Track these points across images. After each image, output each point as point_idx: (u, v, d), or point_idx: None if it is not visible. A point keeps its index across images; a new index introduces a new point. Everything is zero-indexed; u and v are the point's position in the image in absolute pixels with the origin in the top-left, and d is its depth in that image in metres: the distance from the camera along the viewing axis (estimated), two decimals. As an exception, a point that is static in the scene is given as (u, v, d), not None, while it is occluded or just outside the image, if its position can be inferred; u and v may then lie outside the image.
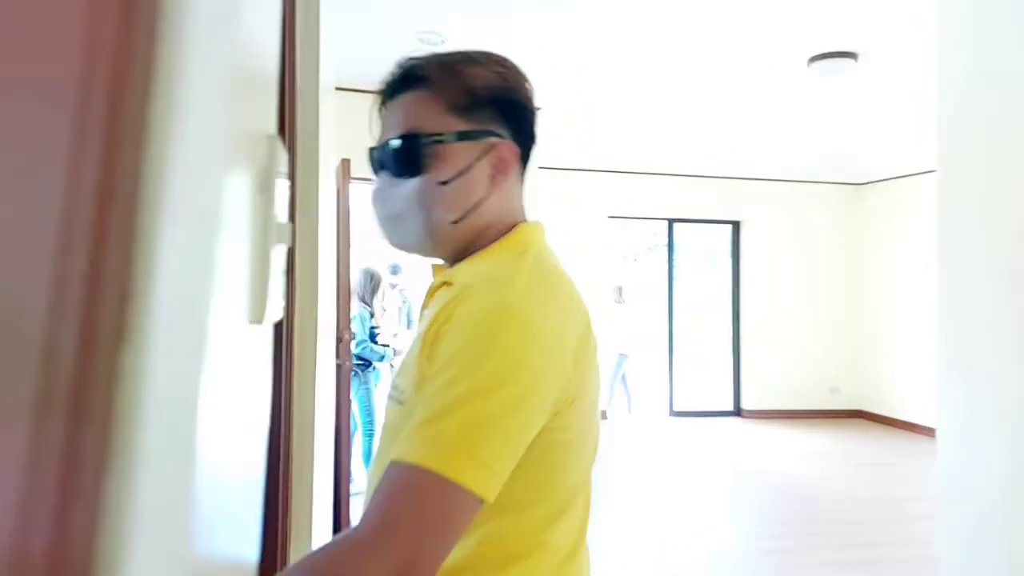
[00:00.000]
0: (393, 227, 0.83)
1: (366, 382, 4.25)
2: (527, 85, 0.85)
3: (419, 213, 0.79)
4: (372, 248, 4.03)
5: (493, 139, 0.81)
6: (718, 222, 7.49)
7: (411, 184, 0.79)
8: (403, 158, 0.79)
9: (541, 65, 3.63)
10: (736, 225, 7.45)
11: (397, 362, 6.37)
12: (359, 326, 4.16)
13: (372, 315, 4.31)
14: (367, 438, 4.26)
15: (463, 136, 0.79)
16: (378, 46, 3.37)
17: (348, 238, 3.37)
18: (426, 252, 0.85)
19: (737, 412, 7.36)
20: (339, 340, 3.45)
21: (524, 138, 0.85)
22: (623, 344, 6.71)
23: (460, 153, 0.79)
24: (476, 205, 0.80)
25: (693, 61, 3.66)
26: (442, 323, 0.71)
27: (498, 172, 0.81)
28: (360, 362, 4.16)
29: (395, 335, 4.99)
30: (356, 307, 4.21)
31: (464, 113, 0.79)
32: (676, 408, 7.30)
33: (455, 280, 0.78)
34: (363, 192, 3.87)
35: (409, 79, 0.80)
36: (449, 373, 0.66)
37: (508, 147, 0.82)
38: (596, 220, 6.83)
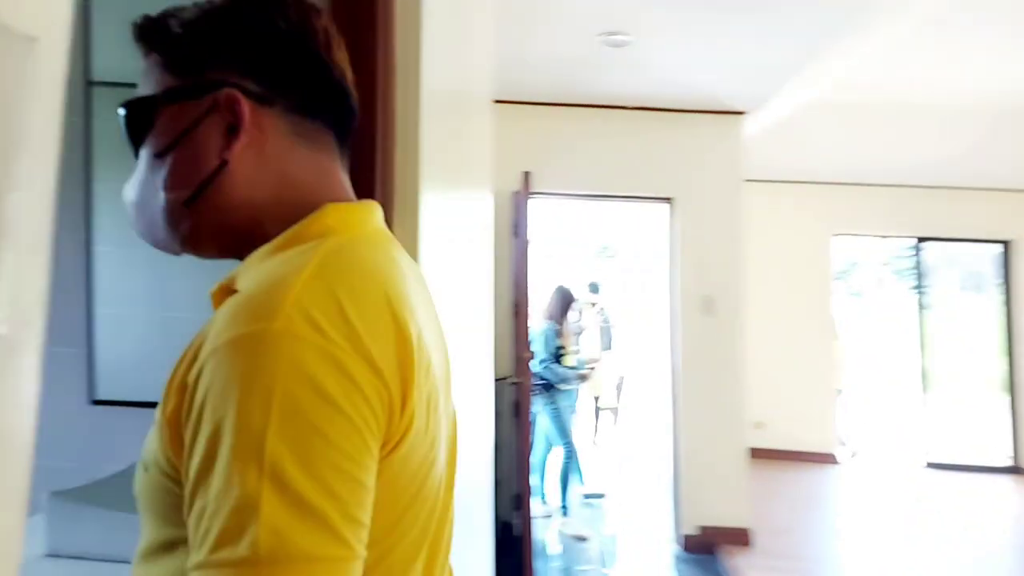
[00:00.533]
0: (135, 219, 0.64)
1: (553, 401, 4.15)
2: (289, 12, 0.62)
3: (149, 196, 0.62)
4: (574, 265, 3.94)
5: (224, 91, 0.60)
6: (982, 241, 6.31)
7: (139, 163, 0.63)
8: (126, 134, 0.63)
9: (748, 67, 3.30)
10: (1006, 245, 6.22)
11: (593, 381, 6.22)
12: (542, 344, 4.09)
13: (559, 334, 4.22)
14: (566, 459, 4.16)
15: (172, 94, 0.61)
16: (553, 54, 3.30)
17: (525, 252, 3.33)
18: (184, 248, 0.64)
19: (1016, 468, 6.07)
20: (517, 359, 3.42)
21: (287, 83, 0.62)
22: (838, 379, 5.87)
23: (178, 116, 0.61)
24: (210, 177, 0.60)
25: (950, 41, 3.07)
26: (187, 366, 0.51)
27: (240, 132, 0.60)
28: (543, 381, 4.08)
29: (583, 355, 4.86)
30: (542, 324, 4.16)
31: (179, 67, 0.62)
32: (933, 459, 6.21)
33: (240, 284, 0.58)
34: (545, 206, 3.74)
35: (141, 45, 0.64)
36: (220, 428, 0.46)
37: (246, 97, 0.60)
38: (817, 237, 6.12)
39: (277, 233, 0.60)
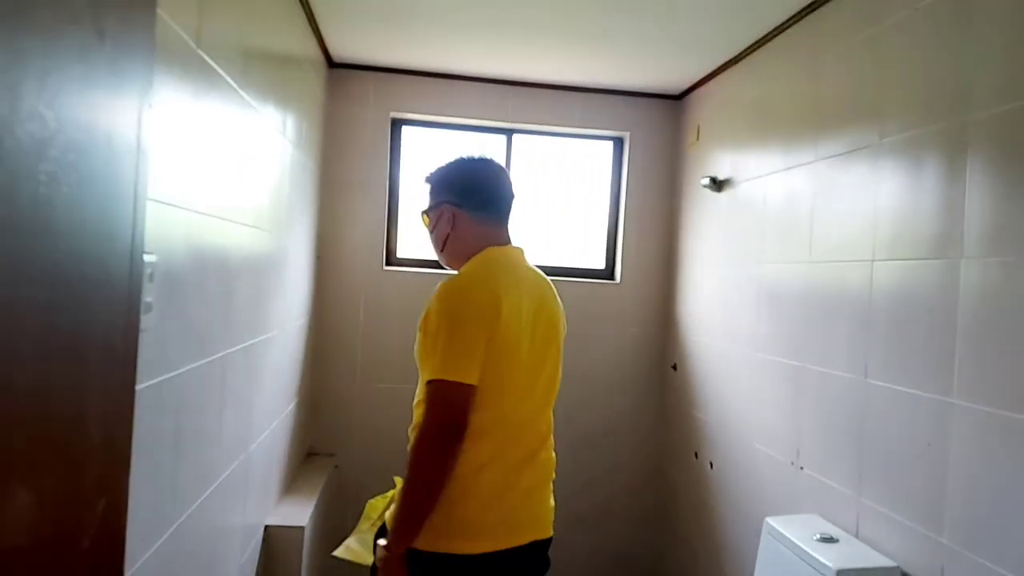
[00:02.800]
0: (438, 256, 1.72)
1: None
2: (474, 173, 1.66)
3: (433, 247, 1.71)
4: None
5: (445, 207, 1.63)
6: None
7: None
8: (422, 222, 1.72)
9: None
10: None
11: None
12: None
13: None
14: None
15: (431, 208, 1.67)
16: None
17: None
18: (448, 267, 1.69)
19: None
20: None
21: (471, 202, 1.62)
22: None
23: (434, 215, 1.66)
24: (445, 242, 1.65)
25: None
26: (428, 307, 1.47)
27: (451, 225, 1.62)
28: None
29: None
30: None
31: (432, 195, 1.67)
32: None
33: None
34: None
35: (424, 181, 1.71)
36: (433, 326, 1.42)
37: (455, 210, 1.62)
38: None
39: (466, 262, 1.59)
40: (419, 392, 1.47)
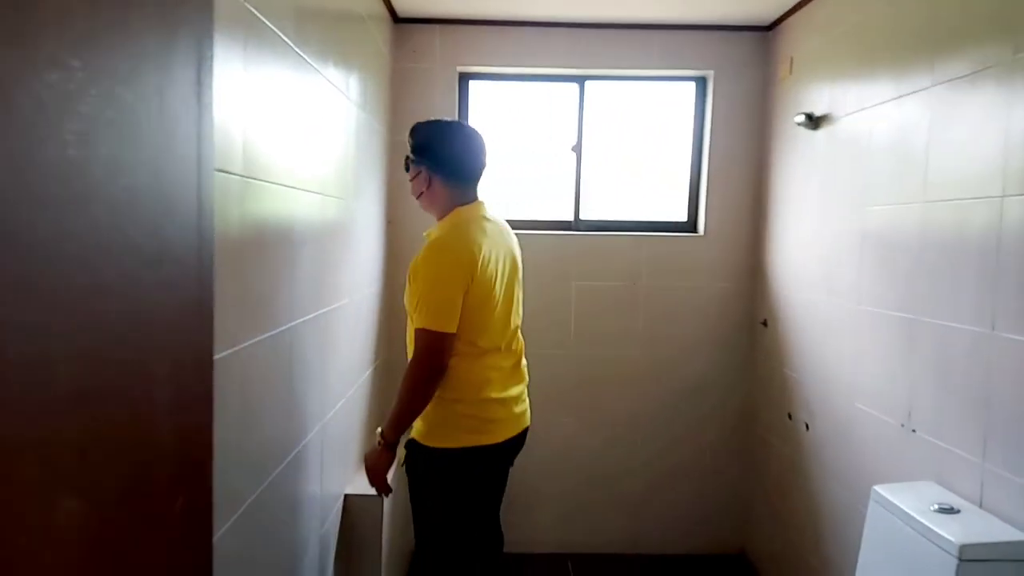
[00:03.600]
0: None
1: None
2: (452, 145, 1.98)
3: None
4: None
5: (423, 168, 1.99)
6: None
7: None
8: (405, 169, 2.06)
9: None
10: None
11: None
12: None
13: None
14: None
15: (410, 162, 2.02)
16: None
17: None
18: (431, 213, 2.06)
19: None
20: None
21: (445, 170, 1.98)
22: None
23: (412, 171, 2.02)
24: (420, 196, 2.03)
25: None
26: (415, 261, 1.88)
27: (427, 185, 1.99)
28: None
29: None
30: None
31: (415, 152, 2.00)
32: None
33: (432, 235, 1.95)
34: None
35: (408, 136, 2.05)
36: (420, 282, 1.83)
37: (431, 174, 1.98)
38: None
39: (442, 218, 1.99)
40: (409, 332, 1.95)
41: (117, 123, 0.62)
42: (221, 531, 1.17)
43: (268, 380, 1.48)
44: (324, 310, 1.94)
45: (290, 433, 1.66)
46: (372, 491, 2.05)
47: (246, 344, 1.33)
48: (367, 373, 2.65)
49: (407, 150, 2.01)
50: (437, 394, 1.88)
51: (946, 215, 1.85)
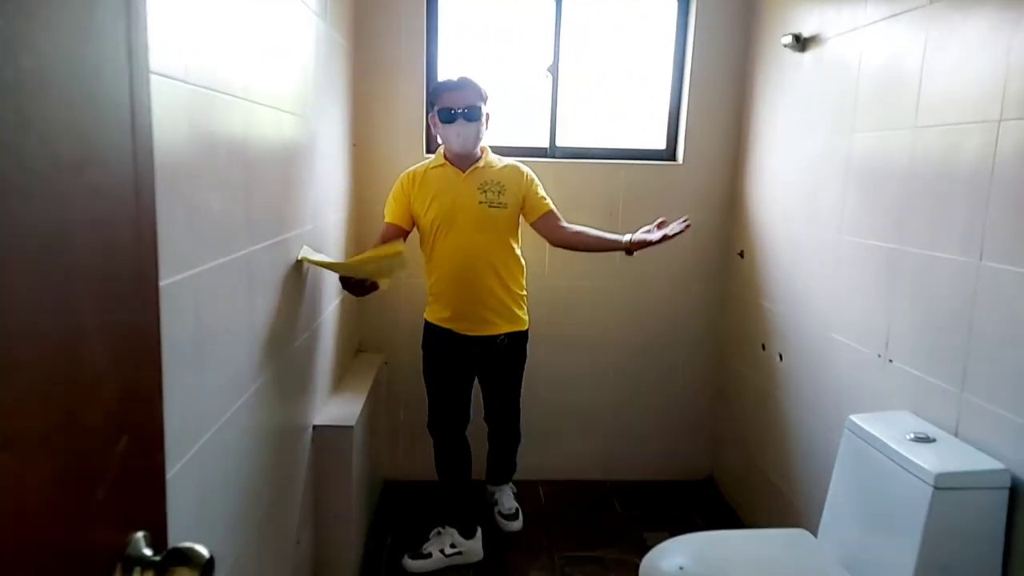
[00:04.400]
0: None
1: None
2: (441, 93, 2.44)
3: None
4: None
5: (431, 114, 2.47)
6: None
7: None
8: None
9: None
10: None
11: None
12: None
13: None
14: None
15: (485, 113, 2.47)
16: None
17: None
18: (473, 152, 2.52)
19: None
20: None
21: (440, 115, 2.43)
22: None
23: (485, 118, 2.47)
24: (435, 136, 2.55)
25: None
26: None
27: (435, 126, 2.48)
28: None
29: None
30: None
31: (484, 102, 2.46)
32: None
33: (488, 164, 2.58)
34: None
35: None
36: (538, 185, 2.61)
37: (433, 116, 2.46)
38: None
39: (480, 149, 2.54)
40: (506, 233, 2.52)
41: (33, 14, 0.51)
42: (175, 469, 1.10)
43: (226, 309, 1.38)
44: (285, 235, 1.83)
45: (252, 363, 1.57)
46: (342, 422, 2.07)
47: (199, 270, 1.22)
48: (334, 304, 2.56)
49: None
50: (518, 287, 2.57)
51: (938, 141, 1.79)
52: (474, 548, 2.63)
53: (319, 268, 2.14)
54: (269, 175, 1.67)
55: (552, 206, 2.57)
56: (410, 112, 2.98)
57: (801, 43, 2.49)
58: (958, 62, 1.72)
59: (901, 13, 1.94)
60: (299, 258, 1.98)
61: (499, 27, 3.11)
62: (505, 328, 2.52)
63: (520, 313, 2.56)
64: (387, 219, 2.54)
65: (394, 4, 2.89)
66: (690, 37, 3.04)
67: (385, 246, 2.27)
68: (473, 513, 2.71)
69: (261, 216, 1.61)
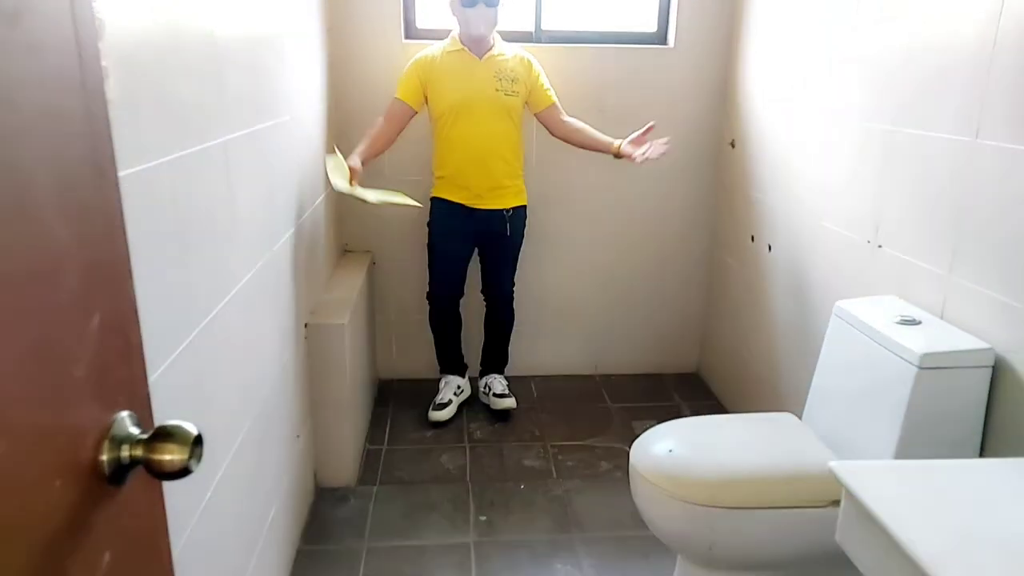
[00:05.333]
0: None
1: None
2: None
3: None
4: None
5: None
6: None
7: None
8: None
9: None
10: None
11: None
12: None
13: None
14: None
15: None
16: None
17: None
18: (487, 38, 2.62)
19: None
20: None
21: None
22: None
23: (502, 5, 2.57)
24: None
25: None
26: None
27: (453, 9, 2.55)
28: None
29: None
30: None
31: None
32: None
33: (500, 55, 2.68)
34: None
35: None
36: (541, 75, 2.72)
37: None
38: None
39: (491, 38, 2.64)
40: (516, 119, 2.68)
41: None
42: (159, 371, 1.09)
43: (204, 202, 1.34)
44: (263, 125, 1.76)
45: (236, 259, 1.54)
46: (333, 320, 2.21)
47: (173, 157, 1.17)
48: (318, 201, 2.50)
49: None
50: (521, 167, 2.75)
51: (937, 11, 1.71)
52: (468, 386, 3.08)
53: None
54: (241, 60, 1.58)
55: (555, 99, 2.70)
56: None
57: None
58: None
59: None
60: (333, 182, 2.29)
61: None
62: (512, 202, 2.73)
63: (522, 187, 2.78)
64: (399, 95, 2.60)
65: None
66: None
67: (408, 200, 2.46)
68: (462, 359, 3.06)
69: (234, 104, 1.53)
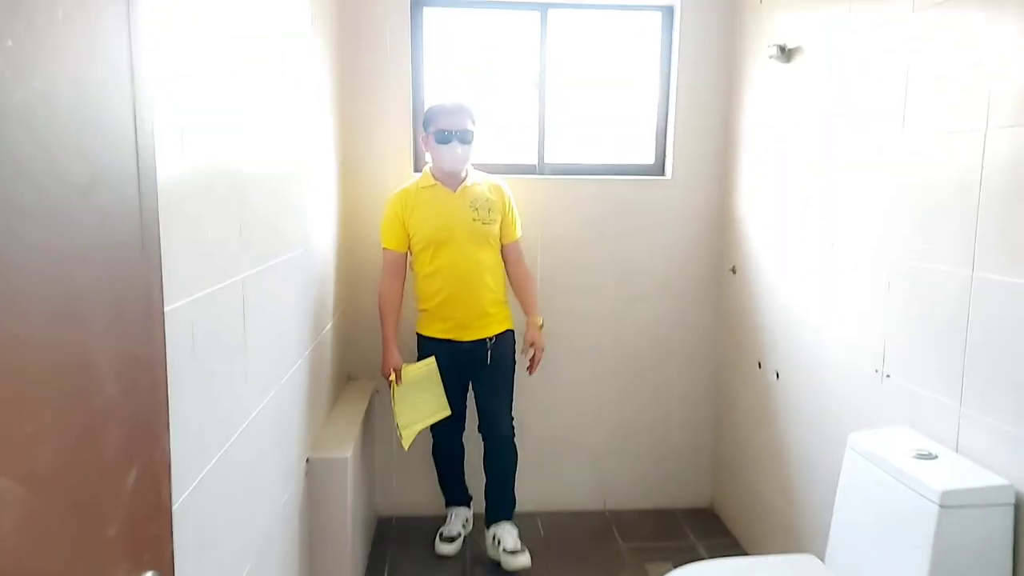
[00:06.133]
0: None
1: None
2: (436, 115, 2.68)
3: None
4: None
5: (424, 134, 2.73)
6: None
7: None
8: None
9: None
10: None
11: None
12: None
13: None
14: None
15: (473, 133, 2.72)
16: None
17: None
18: (462, 169, 2.77)
19: None
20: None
21: (437, 133, 2.65)
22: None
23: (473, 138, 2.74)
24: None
25: None
26: None
27: (426, 143, 2.74)
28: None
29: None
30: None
31: (473, 124, 2.72)
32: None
33: (473, 184, 2.81)
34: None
35: None
36: (512, 208, 2.86)
37: (427, 137, 2.71)
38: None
39: (465, 169, 2.76)
40: (486, 254, 2.74)
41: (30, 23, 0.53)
42: (180, 500, 1.11)
43: (223, 335, 1.41)
44: (278, 260, 1.86)
45: (247, 395, 1.59)
46: (335, 454, 2.16)
47: (199, 295, 1.25)
48: (326, 330, 2.58)
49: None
50: (503, 291, 2.82)
51: (926, 150, 1.86)
52: (472, 518, 3.09)
53: None
54: (262, 196, 1.70)
55: (519, 234, 2.86)
56: (398, 132, 3.03)
57: (786, 54, 2.57)
58: (943, 66, 1.79)
59: (884, 23, 2.02)
60: (404, 440, 2.69)
61: (485, 43, 3.18)
62: (497, 329, 2.77)
63: (508, 313, 2.84)
64: (387, 245, 2.73)
65: (379, 22, 2.95)
66: (675, 51, 3.12)
67: (442, 411, 2.78)
68: (467, 490, 3.10)
69: (255, 238, 1.63)
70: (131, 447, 0.69)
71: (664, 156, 3.23)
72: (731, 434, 3.18)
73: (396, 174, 3.02)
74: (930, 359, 1.85)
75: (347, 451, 2.32)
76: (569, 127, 3.22)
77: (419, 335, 2.81)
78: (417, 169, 3.09)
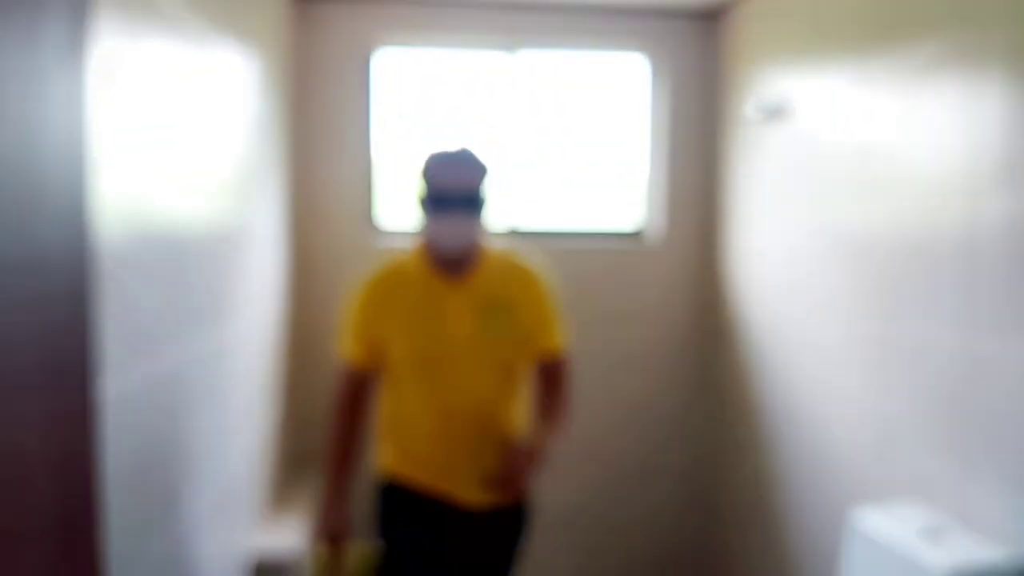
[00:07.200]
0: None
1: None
2: (432, 169, 1.81)
3: None
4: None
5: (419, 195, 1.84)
6: None
7: None
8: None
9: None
10: None
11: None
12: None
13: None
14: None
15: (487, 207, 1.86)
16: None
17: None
18: (470, 253, 1.87)
19: None
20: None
21: (432, 198, 1.79)
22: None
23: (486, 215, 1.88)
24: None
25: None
26: None
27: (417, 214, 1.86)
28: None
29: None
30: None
31: (486, 193, 1.84)
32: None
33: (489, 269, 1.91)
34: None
35: None
36: (551, 303, 1.93)
37: (423, 207, 1.83)
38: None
39: (478, 250, 1.86)
40: (520, 367, 1.92)
41: None
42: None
43: (156, 423, 1.33)
44: (219, 333, 1.79)
45: (187, 485, 1.50)
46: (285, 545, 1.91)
47: (136, 379, 1.18)
48: (273, 408, 2.48)
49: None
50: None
51: (915, 216, 1.89)
52: None
53: None
54: (204, 264, 1.65)
55: (561, 343, 1.94)
56: (354, 187, 3.01)
57: (767, 115, 2.63)
58: (928, 132, 1.84)
59: (868, 83, 2.09)
60: None
61: (455, 103, 3.18)
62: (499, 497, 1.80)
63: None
64: (347, 355, 1.88)
65: (335, 74, 2.96)
66: (656, 116, 3.19)
67: None
68: None
69: (195, 311, 1.57)
70: (60, 560, 0.63)
71: (647, 221, 3.25)
72: (726, 509, 3.13)
73: (353, 236, 2.97)
74: (931, 429, 1.85)
75: (297, 541, 2.20)
76: (547, 193, 3.20)
77: (382, 479, 1.93)
78: (382, 225, 3.03)
